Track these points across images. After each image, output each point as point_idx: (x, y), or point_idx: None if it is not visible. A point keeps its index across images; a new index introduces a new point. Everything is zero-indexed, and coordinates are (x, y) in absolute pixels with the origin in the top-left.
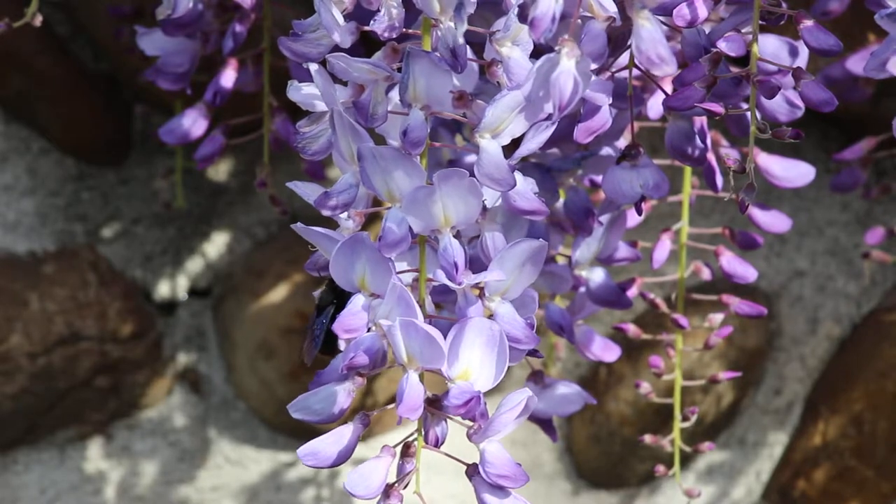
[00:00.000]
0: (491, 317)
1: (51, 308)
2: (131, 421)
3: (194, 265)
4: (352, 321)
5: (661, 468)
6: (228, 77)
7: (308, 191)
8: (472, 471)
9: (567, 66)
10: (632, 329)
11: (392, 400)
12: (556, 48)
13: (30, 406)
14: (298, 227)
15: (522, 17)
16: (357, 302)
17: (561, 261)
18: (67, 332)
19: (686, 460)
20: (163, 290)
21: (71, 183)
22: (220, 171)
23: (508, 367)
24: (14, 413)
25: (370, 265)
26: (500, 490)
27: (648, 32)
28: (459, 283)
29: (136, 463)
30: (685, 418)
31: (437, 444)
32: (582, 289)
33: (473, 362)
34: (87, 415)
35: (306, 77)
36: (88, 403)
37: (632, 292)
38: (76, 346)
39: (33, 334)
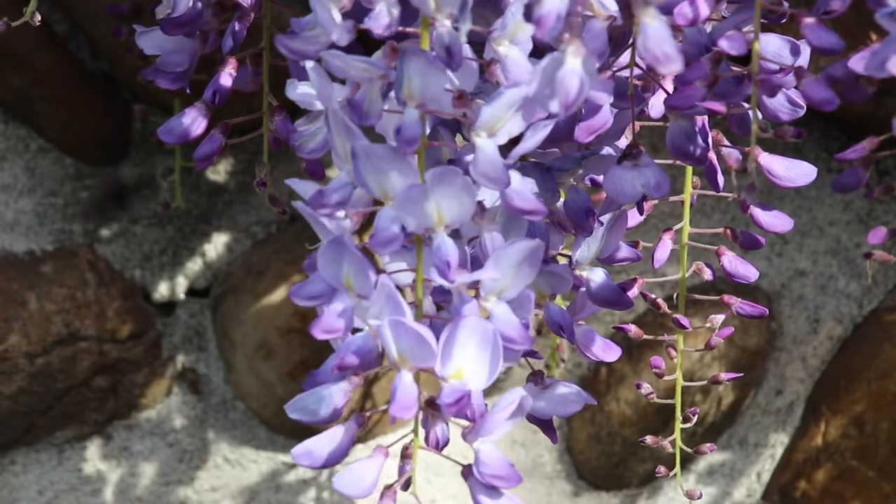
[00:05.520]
0: (488, 317)
1: (49, 308)
2: (130, 421)
3: (193, 265)
4: (333, 322)
5: (661, 469)
6: (228, 76)
7: (307, 189)
8: (467, 471)
9: (573, 64)
10: (633, 329)
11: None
12: (561, 47)
13: (28, 406)
14: (299, 205)
15: (527, 15)
16: (339, 303)
17: (561, 261)
18: (66, 331)
19: (687, 461)
20: (162, 289)
21: (69, 182)
22: (219, 171)
23: (509, 367)
24: (12, 413)
25: (352, 267)
26: (494, 490)
27: (654, 30)
28: (452, 282)
29: (134, 463)
30: (686, 419)
31: (438, 447)
32: (582, 289)
33: (467, 361)
34: (85, 415)
35: (305, 75)
36: (87, 404)
37: (632, 292)
38: (75, 346)
39: (31, 334)
